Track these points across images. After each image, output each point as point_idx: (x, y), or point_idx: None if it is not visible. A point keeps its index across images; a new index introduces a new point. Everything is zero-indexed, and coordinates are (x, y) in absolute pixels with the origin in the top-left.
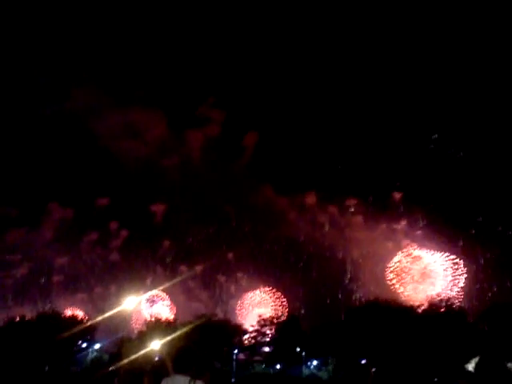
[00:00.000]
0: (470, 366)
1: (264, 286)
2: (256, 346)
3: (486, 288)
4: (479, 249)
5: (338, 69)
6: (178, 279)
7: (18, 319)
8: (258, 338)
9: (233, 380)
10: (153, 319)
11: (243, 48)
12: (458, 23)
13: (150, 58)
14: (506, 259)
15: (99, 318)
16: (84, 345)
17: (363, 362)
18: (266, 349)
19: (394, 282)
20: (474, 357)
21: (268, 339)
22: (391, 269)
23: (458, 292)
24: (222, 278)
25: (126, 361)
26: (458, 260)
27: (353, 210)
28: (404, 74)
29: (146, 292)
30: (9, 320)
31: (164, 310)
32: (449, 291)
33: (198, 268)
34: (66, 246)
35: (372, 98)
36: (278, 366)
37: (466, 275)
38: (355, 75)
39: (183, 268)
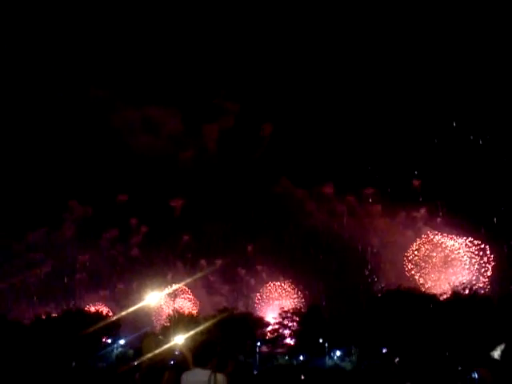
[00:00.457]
0: (496, 354)
1: (284, 278)
2: (278, 338)
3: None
4: (502, 236)
5: (353, 57)
6: (198, 274)
7: (44, 317)
8: (280, 331)
9: (255, 372)
10: (175, 314)
11: (255, 39)
12: (473, 11)
13: (162, 54)
14: None
15: (123, 314)
16: (109, 341)
17: (385, 351)
18: (289, 341)
19: (415, 270)
20: (499, 344)
21: (290, 331)
22: (412, 257)
23: (482, 279)
24: (241, 272)
25: (147, 355)
26: (482, 246)
27: (371, 199)
28: (422, 60)
29: (167, 287)
30: (35, 318)
31: (186, 304)
32: (473, 279)
33: (218, 262)
34: (87, 243)
35: (389, 84)
36: (301, 358)
37: (490, 262)
38: (371, 62)
39: (203, 262)
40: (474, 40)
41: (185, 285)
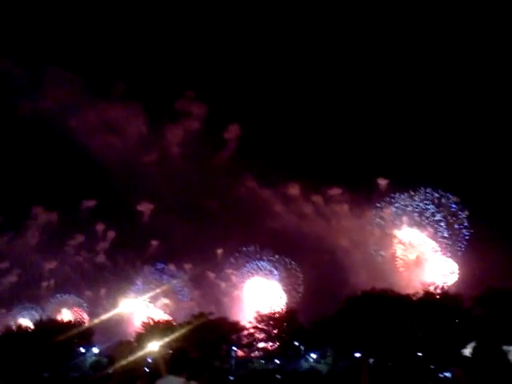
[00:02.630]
0: (467, 352)
1: (255, 281)
2: (254, 342)
3: (481, 273)
4: (472, 235)
5: (317, 58)
6: (169, 279)
7: (15, 328)
8: (256, 335)
9: (231, 378)
10: (150, 321)
11: (222, 39)
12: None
13: (127, 51)
14: (500, 243)
15: (96, 322)
16: (82, 350)
17: (360, 354)
18: (265, 344)
19: (387, 270)
20: (470, 342)
21: (266, 335)
22: (383, 257)
23: (453, 278)
24: (211, 276)
25: (120, 364)
26: (449, 246)
27: (337, 199)
28: (382, 63)
29: (138, 293)
30: (6, 330)
31: (160, 311)
32: (443, 278)
33: (187, 266)
34: (52, 250)
35: (352, 85)
36: (277, 361)
37: (458, 261)
38: (334, 64)
39: (172, 267)
40: (461, 39)
41: (159, 291)
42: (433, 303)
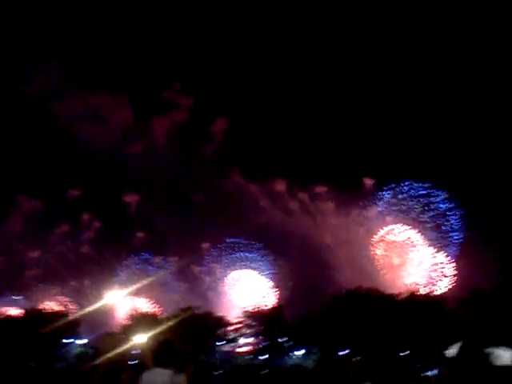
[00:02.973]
0: (451, 352)
1: (240, 275)
2: (240, 338)
3: (466, 275)
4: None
5: (306, 53)
6: (154, 272)
7: (1, 317)
8: (242, 330)
9: (216, 372)
10: (136, 313)
11: (211, 32)
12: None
13: (114, 40)
14: (485, 245)
15: (82, 313)
16: (68, 340)
17: (346, 351)
18: (251, 340)
19: (371, 269)
20: (454, 343)
21: (252, 330)
22: (368, 256)
23: (438, 279)
24: (196, 270)
25: (105, 356)
26: (435, 247)
27: (323, 196)
28: (369, 60)
29: (123, 285)
30: None
31: (146, 303)
32: (428, 278)
33: (173, 259)
34: (36, 239)
35: (340, 81)
36: (263, 357)
37: (445, 262)
38: (323, 60)
39: (158, 260)
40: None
41: (144, 284)
42: (417, 303)
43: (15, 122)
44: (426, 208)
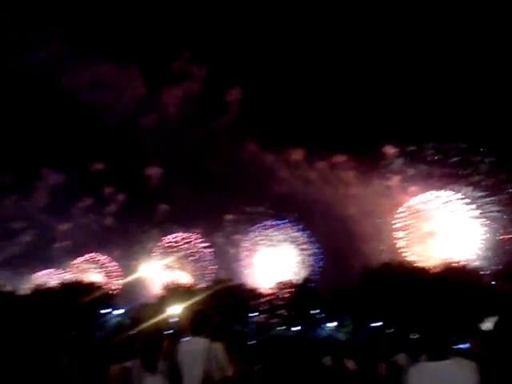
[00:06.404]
0: (485, 326)
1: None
2: (273, 309)
3: (502, 247)
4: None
5: (320, 18)
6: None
7: (42, 288)
8: (275, 302)
9: (252, 342)
10: (171, 284)
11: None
12: None
13: (124, 11)
14: None
15: (118, 285)
16: (106, 310)
17: (378, 324)
18: (284, 312)
19: (400, 241)
20: (489, 316)
21: (284, 302)
22: (395, 227)
23: (472, 251)
24: (220, 241)
25: (145, 324)
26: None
27: (343, 166)
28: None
29: (153, 257)
30: (34, 289)
31: (181, 275)
32: (461, 251)
33: (196, 231)
34: (62, 212)
35: (360, 47)
36: (297, 328)
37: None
38: (345, 24)
39: (180, 232)
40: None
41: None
42: (451, 276)
43: (35, 96)
44: (460, 172)
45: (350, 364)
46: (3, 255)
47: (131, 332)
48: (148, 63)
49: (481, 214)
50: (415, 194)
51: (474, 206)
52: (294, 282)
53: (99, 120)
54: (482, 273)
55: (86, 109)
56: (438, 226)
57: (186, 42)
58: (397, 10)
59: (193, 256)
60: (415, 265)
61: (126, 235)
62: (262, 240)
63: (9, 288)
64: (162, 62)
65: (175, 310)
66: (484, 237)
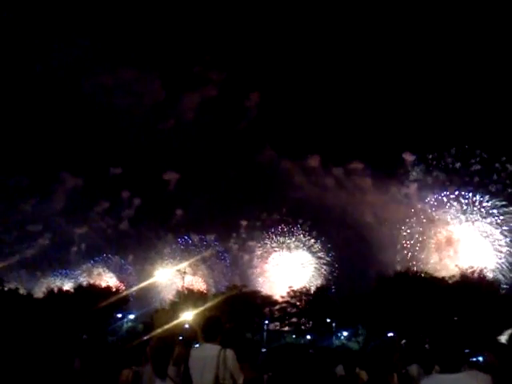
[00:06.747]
0: (503, 338)
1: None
2: (286, 317)
3: None
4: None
5: (342, 24)
6: (194, 250)
7: (56, 290)
8: (288, 309)
9: (264, 350)
10: (185, 290)
11: (242, 5)
12: None
13: (145, 16)
14: None
15: (131, 290)
16: (119, 315)
17: (392, 334)
18: (296, 320)
19: (415, 249)
20: (509, 329)
21: (298, 310)
22: (411, 236)
23: (491, 262)
24: (234, 247)
25: (157, 330)
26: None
27: (359, 173)
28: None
29: (168, 263)
30: (48, 291)
31: (196, 281)
32: (479, 260)
33: (211, 237)
34: (79, 215)
35: (379, 55)
36: (309, 337)
37: (498, 244)
38: (361, 29)
39: (196, 238)
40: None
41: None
42: (469, 287)
43: (56, 100)
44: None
45: (362, 374)
46: (20, 257)
47: (143, 337)
48: (167, 69)
49: (501, 222)
50: (433, 202)
51: (493, 214)
52: (308, 289)
53: (118, 125)
54: (502, 284)
55: (105, 113)
56: (456, 235)
57: (205, 48)
58: (419, 20)
59: (207, 262)
60: (431, 274)
61: (142, 240)
62: (277, 246)
63: (24, 290)
64: (181, 67)
65: (188, 316)
66: (504, 247)
